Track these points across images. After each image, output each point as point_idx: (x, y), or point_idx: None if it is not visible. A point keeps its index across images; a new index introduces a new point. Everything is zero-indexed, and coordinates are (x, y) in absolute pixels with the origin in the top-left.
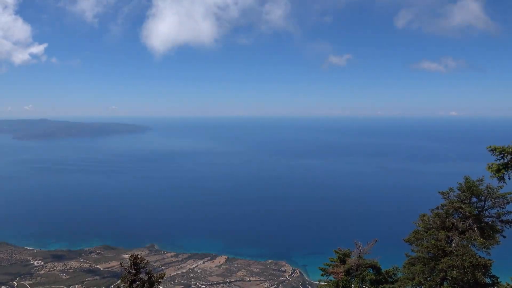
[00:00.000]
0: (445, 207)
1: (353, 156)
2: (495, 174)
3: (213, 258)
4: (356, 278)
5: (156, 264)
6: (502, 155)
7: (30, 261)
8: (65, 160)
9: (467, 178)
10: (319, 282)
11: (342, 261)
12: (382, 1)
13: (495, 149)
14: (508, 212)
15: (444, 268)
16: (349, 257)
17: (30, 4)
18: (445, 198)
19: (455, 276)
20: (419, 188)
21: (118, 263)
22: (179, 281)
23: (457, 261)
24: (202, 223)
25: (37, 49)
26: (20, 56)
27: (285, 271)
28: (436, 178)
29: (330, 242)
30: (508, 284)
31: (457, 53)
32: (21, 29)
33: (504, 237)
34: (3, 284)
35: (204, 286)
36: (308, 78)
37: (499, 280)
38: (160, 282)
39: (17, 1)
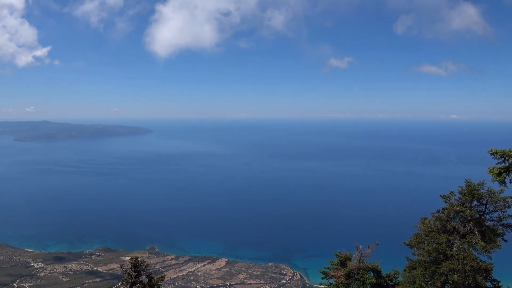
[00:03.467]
0: (446, 210)
1: (354, 158)
2: (496, 178)
3: (213, 260)
4: (356, 282)
5: (157, 267)
6: (503, 158)
7: (31, 263)
8: (66, 161)
9: (468, 182)
10: (320, 285)
11: (343, 264)
12: (382, 6)
13: (496, 152)
14: (509, 216)
15: (445, 272)
16: (350, 261)
17: (37, 9)
18: (446, 202)
19: (456, 280)
20: (420, 191)
21: (119, 265)
22: (180, 283)
23: (458, 265)
24: (202, 226)
25: (41, 52)
26: (24, 59)
27: (285, 274)
28: (437, 182)
29: (331, 245)
30: None
31: (457, 57)
32: (27, 32)
33: (505, 241)
34: (4, 286)
35: None
36: (309, 81)
37: (500, 284)
38: (160, 284)
39: (25, 5)
